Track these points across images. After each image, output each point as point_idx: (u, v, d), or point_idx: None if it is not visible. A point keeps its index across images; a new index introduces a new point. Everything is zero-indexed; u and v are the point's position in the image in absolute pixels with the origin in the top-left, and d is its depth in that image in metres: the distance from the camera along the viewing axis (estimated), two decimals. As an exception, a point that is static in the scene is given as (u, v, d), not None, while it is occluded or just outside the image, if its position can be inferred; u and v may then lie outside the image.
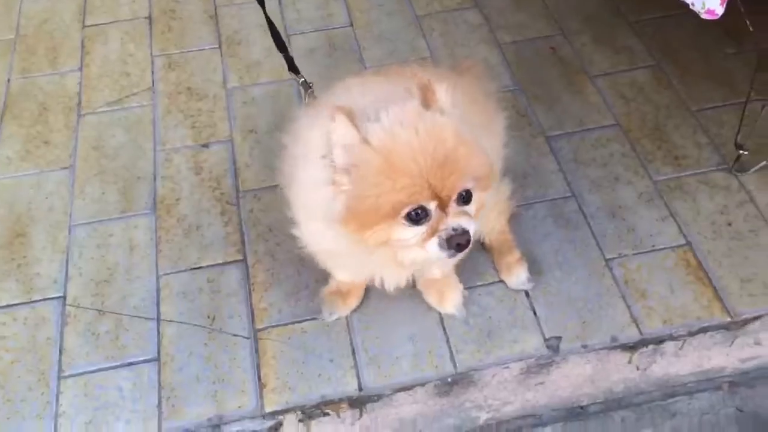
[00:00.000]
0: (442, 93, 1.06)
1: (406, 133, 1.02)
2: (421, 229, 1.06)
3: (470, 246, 1.08)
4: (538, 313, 1.51)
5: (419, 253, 1.10)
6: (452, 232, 1.05)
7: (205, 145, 1.85)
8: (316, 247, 1.33)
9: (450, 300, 1.50)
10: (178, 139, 1.86)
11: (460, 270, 1.50)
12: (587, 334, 1.47)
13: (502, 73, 1.99)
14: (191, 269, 1.60)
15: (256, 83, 2.00)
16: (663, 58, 2.00)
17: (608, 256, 1.59)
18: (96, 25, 2.20)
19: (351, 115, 1.02)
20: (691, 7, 1.45)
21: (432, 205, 1.05)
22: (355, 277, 1.46)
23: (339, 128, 1.02)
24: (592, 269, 1.57)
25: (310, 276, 1.57)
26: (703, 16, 1.43)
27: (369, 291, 1.53)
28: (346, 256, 1.25)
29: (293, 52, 2.02)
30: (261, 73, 2.03)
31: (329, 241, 1.18)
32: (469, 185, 1.06)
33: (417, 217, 1.04)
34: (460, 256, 1.13)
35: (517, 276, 1.52)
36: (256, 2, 1.71)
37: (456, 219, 1.06)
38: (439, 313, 1.51)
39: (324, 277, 1.55)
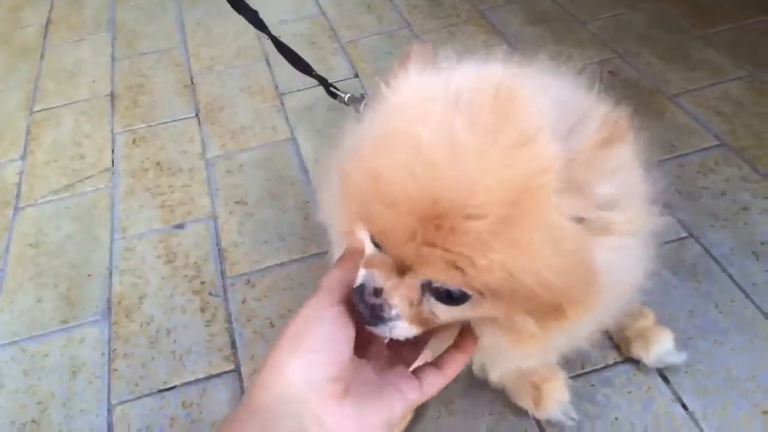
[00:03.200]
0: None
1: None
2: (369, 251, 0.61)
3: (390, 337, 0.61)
4: (690, 407, 0.98)
5: None
6: (360, 288, 0.58)
7: (179, 226, 1.38)
8: None
9: (551, 398, 0.98)
10: (143, 223, 1.40)
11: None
12: (778, 430, 0.94)
13: (553, 108, 1.56)
14: (159, 392, 1.09)
15: (244, 149, 1.56)
16: (756, 68, 1.57)
17: (769, 311, 1.08)
18: (47, 109, 1.80)
19: None
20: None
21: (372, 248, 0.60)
22: None
23: None
24: (750, 332, 1.06)
25: (335, 384, 1.05)
26: None
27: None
28: None
29: (288, 112, 1.62)
30: (250, 138, 1.60)
31: None
32: (454, 287, 0.54)
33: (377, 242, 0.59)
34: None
35: (661, 343, 1.00)
36: (257, 29, 1.34)
37: (384, 284, 0.58)
38: (537, 421, 0.98)
39: (355, 383, 1.03)
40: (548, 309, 0.55)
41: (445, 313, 0.58)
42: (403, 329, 0.59)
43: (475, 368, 0.90)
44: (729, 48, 1.65)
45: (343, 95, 1.18)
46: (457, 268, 0.51)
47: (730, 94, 1.51)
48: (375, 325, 0.58)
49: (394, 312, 0.57)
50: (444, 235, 0.50)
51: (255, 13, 1.33)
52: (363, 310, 0.57)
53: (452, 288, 0.54)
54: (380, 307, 0.57)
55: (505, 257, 0.50)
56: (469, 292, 0.54)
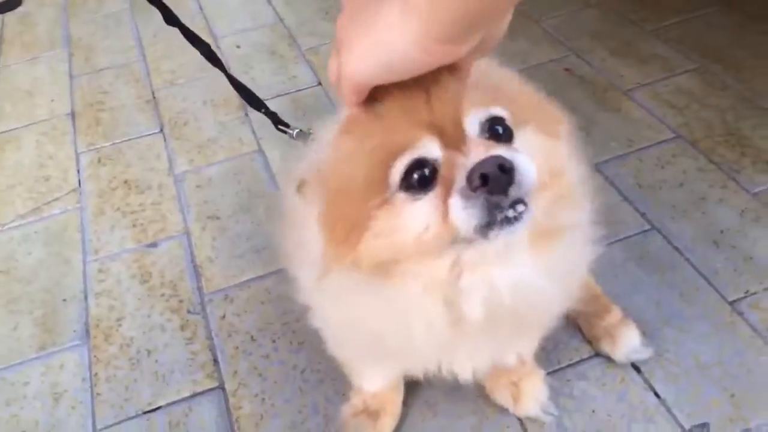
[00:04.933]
0: None
1: None
2: (431, 199, 0.57)
3: (528, 209, 0.56)
4: (662, 395, 1.02)
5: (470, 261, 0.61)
6: (474, 163, 0.54)
7: (153, 245, 1.38)
8: (337, 328, 0.84)
9: (529, 395, 1.01)
10: (116, 244, 1.40)
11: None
12: (744, 412, 0.99)
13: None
14: (144, 413, 1.09)
15: (212, 163, 1.57)
16: (705, 60, 1.63)
17: (732, 298, 1.13)
18: (6, 131, 1.77)
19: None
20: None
21: (435, 148, 0.57)
22: (402, 370, 0.95)
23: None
24: (715, 319, 1.11)
25: (319, 394, 1.08)
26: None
27: (408, 404, 1.04)
28: (379, 333, 0.72)
29: (254, 123, 1.63)
30: (217, 151, 1.60)
31: (347, 306, 0.70)
32: (498, 111, 0.59)
33: (421, 178, 0.57)
34: (518, 227, 0.56)
35: (627, 341, 1.04)
36: (210, 62, 1.33)
37: (481, 150, 0.55)
38: (519, 419, 1.02)
39: (341, 391, 1.06)
40: None
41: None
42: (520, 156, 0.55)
43: (446, 372, 0.88)
44: (678, 41, 1.71)
45: (291, 131, 1.18)
46: None
47: (682, 87, 1.57)
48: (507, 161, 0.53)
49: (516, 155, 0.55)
50: None
51: (207, 45, 1.31)
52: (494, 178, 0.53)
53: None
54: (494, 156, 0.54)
55: None
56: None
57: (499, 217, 0.55)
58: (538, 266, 0.64)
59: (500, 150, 0.55)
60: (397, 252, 0.59)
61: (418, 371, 0.88)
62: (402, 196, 0.57)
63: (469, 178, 0.54)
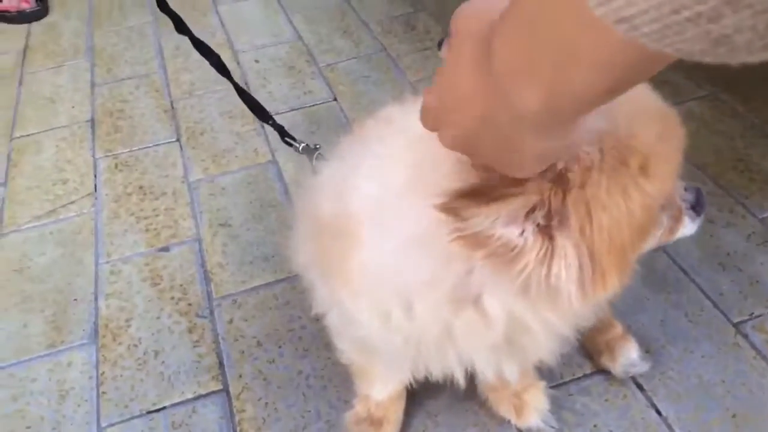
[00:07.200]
0: None
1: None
2: (665, 219, 0.72)
3: None
4: (663, 412, 1.02)
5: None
6: (690, 195, 0.76)
7: (164, 249, 1.40)
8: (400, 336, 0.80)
9: (532, 407, 1.02)
10: (128, 247, 1.42)
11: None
12: (746, 432, 0.99)
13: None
14: (148, 413, 1.11)
15: (226, 172, 1.60)
16: (716, 88, 1.65)
17: (736, 320, 1.14)
18: (27, 135, 1.81)
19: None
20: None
21: None
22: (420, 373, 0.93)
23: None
24: (719, 339, 1.11)
25: (322, 400, 1.09)
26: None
27: (410, 414, 1.05)
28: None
29: (269, 134, 1.66)
30: (231, 161, 1.63)
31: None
32: None
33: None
34: None
35: (625, 355, 1.05)
36: (219, 73, 1.36)
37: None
38: (519, 430, 1.02)
39: (345, 398, 1.07)
40: None
41: None
42: None
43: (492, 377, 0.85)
44: (688, 69, 1.73)
45: (297, 145, 1.18)
46: None
47: (692, 113, 1.59)
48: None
49: None
50: None
51: (217, 56, 1.34)
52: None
53: None
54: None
55: None
56: None
57: None
58: None
59: None
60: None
61: (448, 374, 0.85)
62: None
63: (697, 207, 0.75)
